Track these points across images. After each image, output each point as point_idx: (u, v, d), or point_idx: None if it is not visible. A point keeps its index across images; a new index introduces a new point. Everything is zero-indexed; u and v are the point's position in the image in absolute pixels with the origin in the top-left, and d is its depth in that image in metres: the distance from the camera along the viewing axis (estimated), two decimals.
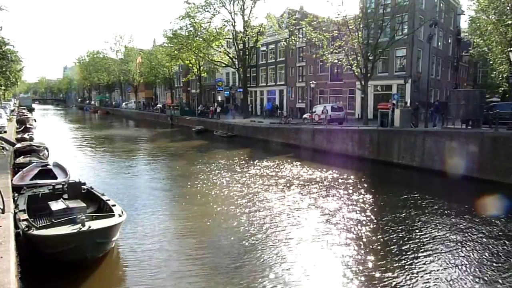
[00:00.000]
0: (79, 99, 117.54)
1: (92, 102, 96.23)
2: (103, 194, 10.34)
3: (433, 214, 11.50)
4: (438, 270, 7.82)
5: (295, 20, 36.69)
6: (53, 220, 8.06)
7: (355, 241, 9.38)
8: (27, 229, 7.46)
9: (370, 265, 8.06)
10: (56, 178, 12.51)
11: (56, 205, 9.20)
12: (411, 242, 9.34)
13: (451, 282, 7.34)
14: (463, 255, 8.58)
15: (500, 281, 7.41)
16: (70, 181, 11.41)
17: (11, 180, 11.35)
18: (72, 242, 7.24)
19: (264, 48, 43.54)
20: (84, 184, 11.04)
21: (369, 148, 20.94)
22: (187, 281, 7.52)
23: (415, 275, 7.64)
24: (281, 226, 10.42)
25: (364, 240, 9.43)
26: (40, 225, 8.05)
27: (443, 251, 8.79)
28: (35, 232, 7.37)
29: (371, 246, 9.02)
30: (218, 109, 41.93)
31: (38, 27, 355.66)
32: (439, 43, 34.01)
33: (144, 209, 11.88)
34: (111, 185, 15.15)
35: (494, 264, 8.10)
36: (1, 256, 5.67)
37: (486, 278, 7.49)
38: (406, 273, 7.73)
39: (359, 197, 13.46)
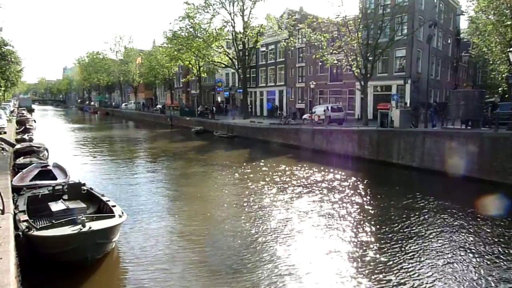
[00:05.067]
0: (79, 100, 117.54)
1: (92, 103, 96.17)
2: (103, 195, 10.33)
3: (432, 215, 11.50)
4: (437, 271, 7.81)
5: (295, 21, 36.74)
6: (53, 221, 8.05)
7: (355, 241, 9.38)
8: (27, 230, 7.44)
9: (369, 265, 8.06)
10: (56, 179, 12.51)
11: (56, 206, 9.20)
12: (410, 242, 9.33)
13: (450, 282, 7.34)
14: (462, 255, 8.57)
15: (500, 281, 7.41)
16: (70, 182, 11.40)
17: (11, 181, 11.34)
18: (73, 243, 7.24)
19: (263, 49, 43.53)
20: (84, 184, 11.03)
21: (369, 149, 20.95)
22: (187, 282, 7.51)
23: (414, 275, 7.64)
24: (281, 228, 10.41)
25: (364, 240, 9.42)
26: (40, 226, 8.03)
27: (442, 251, 8.78)
28: (35, 233, 7.36)
29: (370, 247, 9.01)
30: (214, 110, 42.23)
31: (38, 27, 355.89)
32: (439, 44, 34.05)
33: (144, 210, 11.86)
34: (111, 185, 15.16)
35: (494, 264, 8.09)
36: (0, 257, 5.66)
37: (485, 278, 7.49)
38: (406, 273, 7.72)
39: (358, 197, 13.46)
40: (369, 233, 9.91)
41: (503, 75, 26.78)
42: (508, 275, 7.67)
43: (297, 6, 42.51)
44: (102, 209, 9.62)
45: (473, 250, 8.84)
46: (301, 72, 40.53)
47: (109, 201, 9.70)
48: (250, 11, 35.26)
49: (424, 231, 10.13)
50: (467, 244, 9.24)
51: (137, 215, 11.24)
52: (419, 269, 7.89)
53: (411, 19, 27.29)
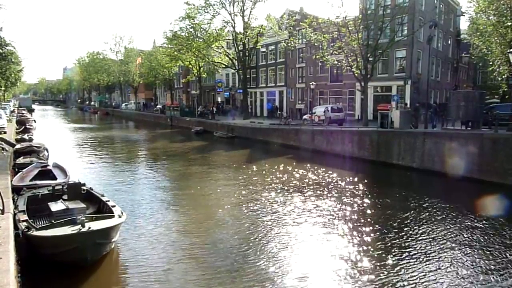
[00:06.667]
0: (79, 100, 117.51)
1: (92, 103, 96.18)
2: (102, 195, 10.32)
3: (432, 215, 11.49)
4: (437, 272, 7.80)
5: (295, 22, 36.75)
6: (52, 221, 8.04)
7: (355, 242, 9.37)
8: (26, 230, 7.43)
9: (369, 266, 8.05)
10: (55, 178, 12.50)
11: (55, 206, 9.19)
12: (410, 243, 9.33)
13: (450, 283, 7.33)
14: (462, 256, 8.57)
15: (500, 282, 7.40)
16: (70, 182, 11.39)
17: (11, 180, 11.33)
18: (72, 243, 7.23)
19: (264, 49, 43.51)
20: (84, 185, 11.03)
21: (369, 149, 20.94)
22: (187, 282, 7.50)
23: (414, 276, 7.63)
24: (280, 228, 10.41)
25: (364, 241, 9.41)
26: (40, 226, 8.02)
27: (442, 252, 8.77)
28: (35, 233, 7.35)
29: (370, 248, 9.00)
30: (214, 110, 42.36)
31: (38, 27, 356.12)
32: (439, 45, 34.05)
33: (144, 210, 11.86)
34: (111, 186, 15.15)
35: (494, 265, 8.08)
36: (0, 257, 5.66)
37: (485, 279, 7.48)
38: (406, 274, 7.72)
39: (359, 198, 13.45)
40: (369, 234, 9.88)
41: (503, 76, 26.77)
42: (509, 275, 7.66)
43: (297, 6, 42.54)
44: (102, 209, 9.62)
45: (473, 251, 8.84)
46: (301, 72, 40.53)
47: (108, 201, 9.69)
48: (250, 12, 35.31)
49: (424, 232, 10.12)
50: (467, 245, 9.22)
51: (137, 215, 11.24)
52: (419, 270, 7.87)
53: (411, 20, 27.27)
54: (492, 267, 8.00)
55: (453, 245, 9.22)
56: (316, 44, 28.22)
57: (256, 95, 47.26)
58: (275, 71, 44.07)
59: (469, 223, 10.73)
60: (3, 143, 17.39)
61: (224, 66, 40.86)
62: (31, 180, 11.95)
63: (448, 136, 17.20)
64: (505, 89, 29.71)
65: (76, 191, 10.60)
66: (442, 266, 8.07)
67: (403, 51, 29.56)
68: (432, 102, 27.71)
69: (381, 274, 7.68)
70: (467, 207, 12.10)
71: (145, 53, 62.88)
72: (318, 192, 14.39)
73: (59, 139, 32.20)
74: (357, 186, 15.29)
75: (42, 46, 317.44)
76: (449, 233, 9.99)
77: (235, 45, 36.96)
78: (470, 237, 9.70)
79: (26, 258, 7.40)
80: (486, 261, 8.28)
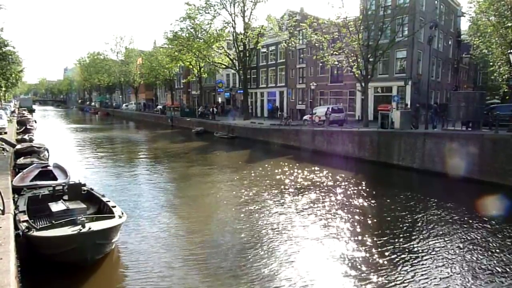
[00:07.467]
0: (80, 100, 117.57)
1: (93, 103, 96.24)
2: (103, 196, 10.34)
3: (433, 216, 11.49)
4: (437, 273, 7.80)
5: (296, 22, 36.77)
6: (53, 221, 8.06)
7: (355, 242, 9.37)
8: (27, 230, 7.45)
9: (369, 267, 8.04)
10: (56, 179, 12.52)
11: (56, 206, 9.20)
12: (411, 244, 9.33)
13: (450, 283, 7.33)
14: (463, 256, 8.57)
15: (501, 282, 7.39)
16: (70, 182, 11.40)
17: (11, 181, 11.35)
18: (72, 243, 7.24)
19: (264, 50, 43.55)
20: (84, 185, 11.04)
21: (370, 150, 20.94)
22: (187, 282, 7.51)
23: (414, 277, 7.63)
24: (281, 229, 10.40)
25: (365, 242, 9.41)
26: (40, 226, 8.04)
27: (443, 252, 8.77)
28: (35, 233, 7.36)
29: (370, 249, 9.00)
30: (215, 111, 42.44)
31: (38, 28, 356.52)
32: (439, 45, 34.07)
33: (144, 211, 11.87)
34: (111, 186, 15.15)
35: (495, 265, 8.08)
36: (0, 258, 5.66)
37: (486, 279, 7.48)
38: (406, 275, 7.72)
39: (359, 199, 13.45)
40: (370, 235, 9.88)
41: (504, 77, 26.78)
42: (508, 276, 7.65)
43: (298, 7, 42.64)
44: (102, 209, 9.62)
45: (474, 251, 8.83)
46: (301, 73, 40.55)
47: (109, 201, 9.70)
48: (251, 12, 35.31)
49: (424, 232, 10.12)
50: (468, 245, 9.22)
51: (137, 216, 11.24)
52: (419, 271, 7.87)
53: (411, 21, 27.26)
54: (493, 267, 7.99)
55: (454, 245, 9.21)
56: (316, 44, 28.25)
57: (257, 95, 47.28)
58: (276, 72, 44.08)
59: (469, 224, 10.72)
60: (3, 143, 17.41)
61: (224, 66, 40.87)
62: (31, 181, 11.96)
63: (449, 137, 17.19)
64: (506, 90, 29.68)
65: (76, 191, 10.61)
66: (443, 266, 8.06)
67: (404, 51, 29.58)
68: (432, 102, 27.72)
69: (382, 274, 7.67)
70: (468, 208, 12.09)
71: (145, 53, 62.88)
72: (318, 192, 14.39)
73: (59, 139, 32.21)
74: (357, 186, 15.29)
75: (42, 46, 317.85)
76: (449, 234, 9.98)
77: (236, 45, 36.98)
78: (471, 238, 9.69)
79: (27, 259, 7.41)
80: (486, 262, 8.27)
